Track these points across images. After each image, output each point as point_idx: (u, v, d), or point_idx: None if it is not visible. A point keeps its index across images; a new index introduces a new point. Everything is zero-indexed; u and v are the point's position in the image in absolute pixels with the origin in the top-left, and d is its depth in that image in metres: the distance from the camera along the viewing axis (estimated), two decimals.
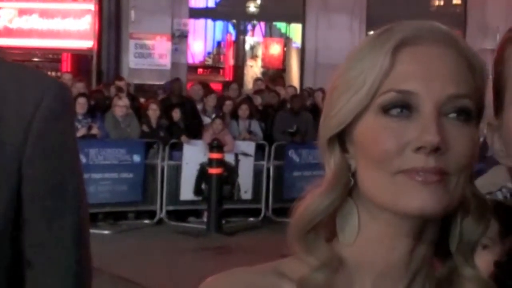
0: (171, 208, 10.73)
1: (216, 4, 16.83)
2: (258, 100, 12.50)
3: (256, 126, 11.45)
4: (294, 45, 17.51)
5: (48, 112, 1.40)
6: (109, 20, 14.77)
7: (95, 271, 1.50)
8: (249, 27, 18.13)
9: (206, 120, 11.22)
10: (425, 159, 0.92)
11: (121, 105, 10.57)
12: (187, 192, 10.70)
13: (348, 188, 0.99)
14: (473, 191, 1.00)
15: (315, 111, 11.39)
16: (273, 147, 11.11)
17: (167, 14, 14.68)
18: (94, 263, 1.51)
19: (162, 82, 13.66)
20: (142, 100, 11.86)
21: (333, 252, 0.99)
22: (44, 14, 14.46)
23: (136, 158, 10.58)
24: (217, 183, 10.12)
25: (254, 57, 18.08)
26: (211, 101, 11.55)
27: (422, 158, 0.93)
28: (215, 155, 10.21)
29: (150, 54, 14.59)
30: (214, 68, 18.31)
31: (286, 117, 11.59)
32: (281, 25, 17.83)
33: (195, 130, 10.91)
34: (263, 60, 17.91)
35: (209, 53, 18.23)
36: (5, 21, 14.38)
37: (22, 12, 14.43)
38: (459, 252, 1.00)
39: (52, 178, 1.42)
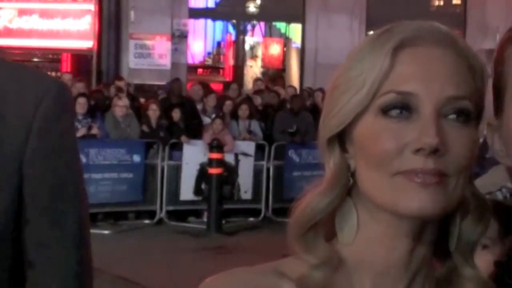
0: (171, 208, 10.73)
1: (216, 4, 16.83)
2: (258, 100, 12.50)
3: (256, 126, 11.45)
4: (294, 45, 17.51)
5: (48, 112, 1.40)
6: (109, 20, 14.77)
7: (95, 271, 1.50)
8: (249, 27, 18.13)
9: (206, 120, 11.22)
10: (424, 161, 0.93)
11: (121, 105, 10.57)
12: (187, 192, 10.70)
13: (348, 188, 0.99)
14: (472, 191, 1.00)
15: (315, 111, 11.39)
16: (273, 147, 11.11)
17: (167, 14, 14.68)
18: (94, 263, 1.51)
19: (162, 82, 13.67)
20: (142, 100, 11.87)
21: (332, 251, 0.99)
22: (44, 14, 14.46)
23: (136, 158, 10.58)
24: (217, 183, 10.12)
25: (254, 57, 18.08)
26: (211, 101, 11.55)
27: (421, 159, 0.93)
28: (215, 155, 10.21)
29: (150, 54, 14.59)
30: (214, 68, 18.31)
31: (286, 117, 11.59)
32: (281, 25, 17.83)
33: (195, 130, 10.91)
34: (263, 60, 17.91)
35: (209, 53, 18.24)
36: (5, 21, 14.38)
37: (22, 12, 14.43)
38: (458, 252, 1.00)
39: (53, 178, 1.42)
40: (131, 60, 14.52)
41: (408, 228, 0.97)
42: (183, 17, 15.17)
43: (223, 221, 10.28)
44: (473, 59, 0.98)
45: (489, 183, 1.79)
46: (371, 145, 0.95)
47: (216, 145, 10.21)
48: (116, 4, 14.73)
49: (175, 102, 11.35)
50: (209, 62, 18.38)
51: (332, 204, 0.99)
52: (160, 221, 10.61)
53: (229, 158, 10.72)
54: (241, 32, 18.07)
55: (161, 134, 10.71)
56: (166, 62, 14.69)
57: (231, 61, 18.08)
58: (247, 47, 18.07)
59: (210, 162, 10.25)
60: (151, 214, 10.67)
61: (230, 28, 18.22)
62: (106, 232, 9.70)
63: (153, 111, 10.79)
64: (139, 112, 11.02)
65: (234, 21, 17.86)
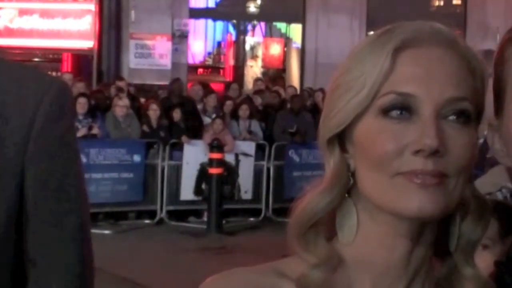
0: (171, 208, 10.74)
1: (216, 4, 16.83)
2: (258, 100, 12.50)
3: (256, 126, 11.45)
4: (294, 45, 17.51)
5: (49, 111, 1.40)
6: (110, 20, 14.77)
7: (95, 270, 1.50)
8: (249, 27, 18.13)
9: (207, 120, 11.22)
10: (423, 162, 0.93)
11: (121, 105, 10.58)
12: (187, 192, 10.70)
13: (348, 188, 1.00)
14: (472, 191, 1.00)
15: (315, 111, 11.39)
16: (273, 147, 11.11)
17: (167, 14, 14.69)
18: (94, 263, 1.51)
19: (162, 83, 13.67)
20: (142, 100, 11.87)
21: (332, 251, 0.99)
22: (44, 14, 14.46)
23: (137, 158, 10.58)
24: (218, 183, 10.12)
25: (254, 57, 18.08)
26: (211, 101, 11.56)
27: (421, 160, 0.93)
28: (216, 155, 10.21)
29: (151, 54, 14.59)
30: (215, 68, 18.31)
31: (286, 117, 11.59)
32: (281, 25, 17.83)
33: (195, 130, 10.92)
34: (263, 60, 17.91)
35: (209, 53, 18.23)
36: (5, 21, 14.38)
37: (22, 12, 14.43)
38: (459, 252, 1.00)
39: (54, 177, 1.42)
40: (131, 60, 14.53)
41: (407, 229, 0.97)
42: (184, 17, 15.17)
43: (224, 221, 10.28)
44: (474, 60, 0.99)
45: (489, 184, 1.79)
46: (371, 145, 0.95)
47: (216, 145, 10.22)
48: (117, 4, 14.74)
49: (176, 102, 11.35)
50: (210, 62, 18.38)
51: (332, 204, 0.99)
52: (161, 221, 10.61)
53: (230, 158, 10.72)
54: (241, 32, 18.07)
55: (162, 134, 10.72)
56: (166, 62, 14.69)
57: (231, 61, 18.08)
58: (247, 47, 18.07)
59: (211, 162, 10.25)
60: (152, 214, 10.67)
61: (231, 28, 18.22)
62: (106, 232, 9.70)
63: (154, 111, 10.79)
64: (139, 112, 11.03)
65: (234, 21, 17.86)
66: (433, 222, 0.97)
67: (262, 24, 17.90)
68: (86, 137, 10.01)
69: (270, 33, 18.21)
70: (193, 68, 17.04)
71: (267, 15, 16.86)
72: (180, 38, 14.96)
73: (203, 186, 10.53)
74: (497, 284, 1.03)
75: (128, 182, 10.53)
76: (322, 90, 12.33)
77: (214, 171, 10.17)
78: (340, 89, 0.99)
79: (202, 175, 10.53)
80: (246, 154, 11.04)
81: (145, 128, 10.74)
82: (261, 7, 16.68)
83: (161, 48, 14.67)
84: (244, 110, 11.36)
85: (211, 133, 10.65)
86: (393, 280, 0.99)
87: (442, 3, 17.84)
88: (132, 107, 10.92)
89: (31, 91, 1.41)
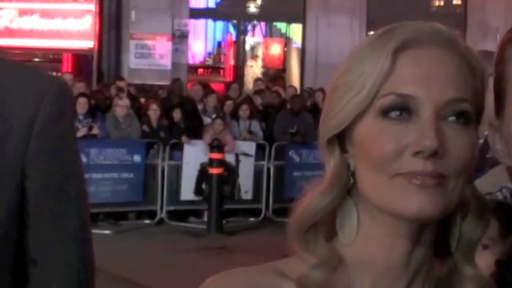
0: (171, 208, 10.74)
1: (217, 4, 16.83)
2: (258, 100, 12.51)
3: (256, 126, 11.45)
4: (294, 45, 17.51)
5: (49, 111, 1.40)
6: (110, 21, 14.77)
7: (95, 271, 1.50)
8: (250, 27, 18.13)
9: (207, 120, 11.22)
10: (423, 163, 0.93)
11: (121, 105, 10.58)
12: (187, 192, 10.70)
13: (348, 188, 1.00)
14: (472, 191, 1.00)
15: (316, 111, 11.39)
16: (273, 147, 11.11)
17: (168, 15, 14.69)
18: (95, 263, 1.51)
19: (162, 83, 13.67)
20: (142, 100, 11.87)
21: (332, 251, 0.99)
22: (44, 14, 14.46)
23: (137, 158, 10.59)
24: (218, 183, 10.12)
25: (254, 57, 18.08)
26: (211, 101, 11.56)
27: (420, 162, 0.93)
28: (216, 155, 10.21)
29: (151, 54, 14.60)
30: (215, 68, 18.30)
31: (287, 117, 11.60)
32: (281, 25, 17.83)
33: (195, 130, 10.92)
34: (263, 60, 17.91)
35: (209, 54, 18.23)
36: (6, 21, 14.38)
37: (22, 12, 14.44)
38: (459, 251, 1.01)
39: (55, 177, 1.42)
40: (131, 60, 14.53)
41: (407, 229, 0.97)
42: (184, 17, 15.17)
43: (224, 221, 10.28)
44: (474, 61, 0.98)
45: (490, 184, 1.79)
46: (371, 146, 0.96)
47: (216, 145, 10.22)
48: (117, 4, 14.74)
49: (176, 102, 11.36)
50: (210, 62, 18.38)
51: (333, 204, 0.99)
52: (161, 221, 10.61)
53: (230, 158, 10.72)
54: (241, 32, 18.07)
55: (162, 134, 10.72)
56: (166, 62, 14.69)
57: (231, 61, 18.08)
58: (247, 47, 18.07)
59: (211, 162, 10.26)
60: (152, 214, 10.67)
61: (231, 28, 18.22)
62: (106, 232, 9.70)
63: (154, 111, 10.79)
64: (139, 112, 11.03)
65: (234, 21, 17.86)
66: (432, 223, 0.97)
67: (262, 24, 17.91)
68: (86, 137, 10.01)
69: (270, 33, 18.21)
70: (193, 68, 17.04)
71: (267, 15, 16.86)
72: (180, 38, 14.96)
73: (203, 186, 10.53)
74: (497, 284, 1.03)
75: (128, 182, 10.54)
76: (322, 90, 12.33)
77: (214, 171, 10.18)
78: (340, 89, 0.99)
79: (202, 175, 10.53)
80: (246, 154, 11.04)
81: (145, 128, 10.74)
82: (261, 7, 16.68)
83: (161, 48, 14.68)
84: (244, 110, 11.36)
85: (211, 133, 10.65)
86: (393, 280, 0.99)
87: (442, 3, 17.84)
88: (132, 107, 10.92)
89: (31, 91, 1.41)
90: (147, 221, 10.62)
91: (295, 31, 17.30)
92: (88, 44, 14.67)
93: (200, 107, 11.53)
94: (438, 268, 1.02)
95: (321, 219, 0.99)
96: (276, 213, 10.79)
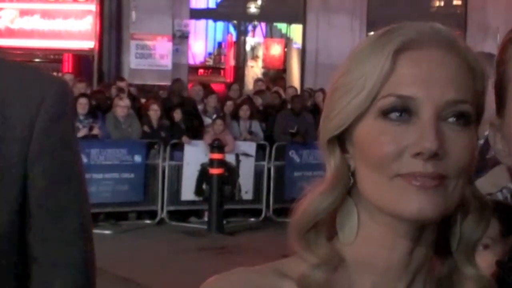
0: (172, 208, 10.74)
1: (217, 4, 16.83)
2: (258, 101, 12.51)
3: (257, 126, 11.46)
4: (294, 45, 17.51)
5: (50, 111, 1.41)
6: (110, 21, 14.77)
7: (96, 270, 1.51)
8: (250, 27, 18.12)
9: (207, 120, 11.23)
10: (423, 164, 0.93)
11: (122, 106, 10.58)
12: (188, 192, 10.71)
13: (348, 188, 1.00)
14: (473, 191, 1.00)
15: (316, 112, 11.40)
16: (274, 148, 11.12)
17: (168, 15, 14.69)
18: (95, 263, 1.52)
19: (163, 83, 13.67)
20: (143, 100, 11.87)
21: (333, 251, 0.99)
22: (45, 14, 14.46)
23: (137, 158, 10.59)
24: (218, 184, 10.13)
25: (254, 57, 18.08)
26: (212, 101, 11.56)
27: (420, 163, 0.93)
28: (216, 156, 10.22)
29: (151, 54, 14.59)
30: (215, 68, 18.30)
31: (287, 117, 11.60)
32: (281, 26, 17.82)
33: (196, 131, 10.92)
34: (263, 60, 17.91)
35: (210, 54, 18.23)
36: (6, 22, 14.38)
37: (23, 13, 14.43)
38: (460, 251, 1.01)
39: (56, 176, 1.42)
40: (132, 61, 14.53)
41: (407, 230, 0.97)
42: (184, 17, 15.17)
43: (224, 221, 10.28)
44: (474, 62, 0.99)
45: (490, 184, 1.79)
46: (371, 147, 0.96)
47: (217, 146, 10.22)
48: (117, 5, 14.74)
49: (176, 102, 11.36)
50: (210, 62, 18.37)
51: (333, 204, 0.99)
52: (161, 221, 10.61)
53: (230, 158, 10.72)
54: (242, 33, 18.07)
55: (162, 135, 10.72)
56: (167, 62, 14.69)
57: (232, 62, 18.08)
58: (248, 47, 18.07)
59: (211, 163, 10.26)
60: (152, 214, 10.67)
61: (231, 29, 18.22)
62: (107, 232, 9.70)
63: (154, 112, 10.80)
64: (140, 112, 11.03)
65: (235, 21, 17.86)
66: (433, 223, 0.97)
67: (263, 24, 17.90)
68: (87, 137, 10.02)
69: (270, 33, 18.21)
70: (193, 69, 17.04)
71: (268, 15, 16.86)
72: (180, 38, 14.96)
73: (204, 186, 10.54)
74: (498, 283, 1.03)
75: (129, 182, 10.54)
76: (322, 90, 12.33)
77: (214, 171, 10.18)
78: (340, 90, 0.99)
79: (203, 175, 10.53)
80: (246, 155, 11.04)
81: (145, 128, 10.74)
82: (261, 7, 16.68)
83: (162, 49, 14.67)
84: (244, 111, 11.37)
85: (212, 133, 10.65)
86: (393, 281, 0.99)
87: (442, 3, 17.84)
88: (133, 107, 10.93)
89: (32, 92, 1.41)
90: (148, 221, 10.63)
91: (295, 31, 17.30)
92: (89, 44, 14.67)
93: (200, 107, 11.53)
94: (439, 268, 1.03)
95: (322, 219, 1.00)
96: (277, 213, 10.80)
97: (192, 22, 15.91)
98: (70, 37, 14.59)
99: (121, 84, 11.97)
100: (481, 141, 2.31)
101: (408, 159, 0.94)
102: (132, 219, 10.68)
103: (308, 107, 12.26)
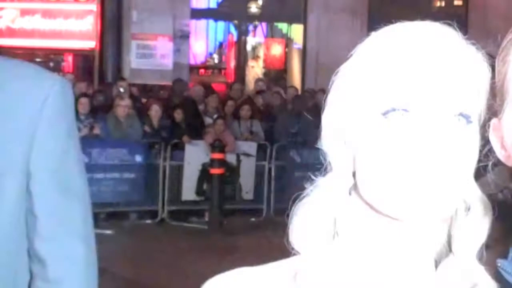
0: (173, 208, 10.74)
1: (218, 4, 16.84)
2: (259, 101, 12.52)
3: (257, 126, 11.46)
4: (295, 45, 17.52)
5: (54, 109, 1.41)
6: (111, 21, 14.78)
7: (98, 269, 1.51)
8: (251, 27, 18.13)
9: (208, 120, 11.23)
10: (423, 164, 0.93)
11: (123, 105, 10.58)
12: (189, 192, 10.71)
13: (349, 188, 1.00)
14: (474, 192, 1.00)
15: (317, 112, 11.38)
16: (274, 148, 11.12)
17: (169, 15, 14.69)
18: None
19: (163, 83, 13.68)
20: (144, 100, 11.88)
21: (334, 251, 0.99)
22: (46, 14, 14.47)
23: (138, 158, 10.59)
24: (219, 183, 10.13)
25: (255, 57, 18.09)
26: (212, 101, 11.57)
27: (421, 163, 0.93)
28: (217, 155, 10.22)
29: (152, 54, 14.60)
30: (216, 68, 18.32)
31: (288, 117, 11.60)
32: (282, 26, 17.83)
33: (197, 131, 10.92)
34: (264, 60, 17.91)
35: (210, 54, 18.24)
36: (7, 21, 14.39)
37: (24, 12, 14.44)
38: (461, 251, 1.01)
39: (59, 174, 1.43)
40: (133, 61, 14.53)
41: (408, 230, 0.97)
42: (185, 17, 15.18)
43: (225, 221, 10.28)
44: (474, 61, 0.99)
45: (491, 185, 1.79)
46: (371, 147, 0.96)
47: (217, 145, 10.22)
48: (118, 5, 14.74)
49: (177, 102, 11.36)
50: (211, 62, 18.39)
51: (334, 204, 0.99)
52: (162, 221, 10.61)
53: (231, 158, 10.73)
54: (242, 33, 18.08)
55: (163, 134, 10.72)
56: (168, 62, 14.70)
57: (233, 62, 18.09)
58: (248, 47, 18.08)
59: (212, 162, 10.26)
60: (153, 214, 10.67)
61: (232, 29, 18.22)
62: (108, 232, 9.70)
63: (155, 112, 10.80)
64: (141, 112, 11.04)
65: (236, 21, 17.86)
66: (434, 223, 0.98)
67: (264, 24, 17.91)
68: (87, 137, 10.02)
69: (271, 33, 18.22)
70: (194, 69, 17.05)
71: (269, 15, 16.87)
72: (181, 38, 14.96)
73: (205, 186, 10.54)
74: (499, 283, 1.03)
75: (130, 182, 10.54)
76: (323, 90, 12.31)
77: (215, 171, 10.18)
78: (341, 90, 0.99)
79: (204, 175, 10.54)
80: (247, 154, 11.04)
81: (146, 128, 10.75)
82: (262, 7, 16.68)
83: (163, 49, 14.68)
84: (245, 111, 11.37)
85: (213, 133, 10.66)
86: (394, 281, 0.99)
87: (443, 4, 17.85)
88: (134, 107, 10.93)
89: (36, 89, 1.41)
90: (148, 221, 10.63)
91: (296, 31, 17.30)
92: (90, 44, 14.67)
93: (201, 107, 11.54)
94: (440, 268, 1.03)
95: (323, 219, 1.00)
96: (277, 213, 10.79)
97: (193, 22, 15.92)
98: (71, 37, 14.59)
99: (122, 84, 11.97)
100: (481, 142, 2.31)
101: (408, 159, 0.94)
102: (133, 219, 10.68)
103: (309, 107, 12.26)
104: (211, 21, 17.59)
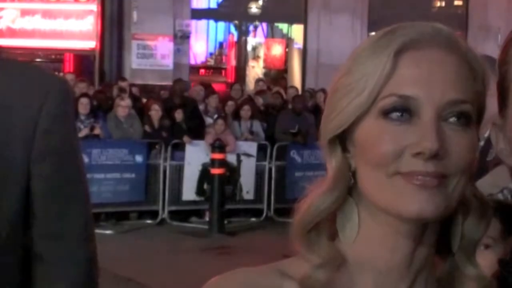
0: (173, 208, 10.74)
1: (218, 5, 16.84)
2: (260, 101, 12.52)
3: (258, 126, 11.46)
4: (295, 45, 17.52)
5: (53, 112, 1.41)
6: (112, 21, 14.78)
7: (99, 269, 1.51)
8: (251, 27, 18.13)
9: (208, 120, 11.23)
10: (423, 164, 0.93)
11: (123, 106, 10.59)
12: (189, 192, 10.71)
13: (349, 187, 1.00)
14: (473, 191, 1.00)
15: (317, 112, 11.40)
16: (275, 148, 11.12)
17: (169, 15, 14.69)
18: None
19: (164, 83, 13.68)
20: (144, 100, 11.88)
21: (335, 251, 0.99)
22: (46, 14, 14.47)
23: (138, 158, 10.59)
24: (219, 183, 10.13)
25: (256, 57, 18.09)
26: (213, 101, 11.57)
27: (421, 162, 0.93)
28: (217, 156, 10.22)
29: (152, 54, 14.60)
30: (216, 69, 18.31)
31: (288, 117, 11.60)
32: (283, 26, 17.83)
33: (197, 131, 10.92)
34: (265, 60, 17.91)
35: (211, 54, 18.24)
36: (7, 22, 14.39)
37: (24, 13, 14.44)
38: (460, 251, 1.01)
39: (59, 176, 1.43)
40: (133, 61, 14.53)
41: (408, 229, 0.97)
42: (186, 17, 15.18)
43: (225, 221, 10.28)
44: (475, 62, 0.99)
45: (491, 185, 1.79)
46: (371, 147, 0.96)
47: (218, 146, 10.22)
48: (119, 5, 14.74)
49: (178, 102, 11.36)
50: (211, 62, 18.38)
51: (334, 204, 0.99)
52: (162, 221, 10.61)
53: (231, 158, 10.73)
54: (243, 33, 18.08)
55: (164, 135, 10.72)
56: (168, 62, 14.70)
57: (233, 62, 18.09)
58: (249, 47, 18.08)
59: (212, 163, 10.26)
60: (153, 214, 10.67)
61: (232, 29, 18.23)
62: (108, 232, 9.70)
63: (156, 112, 10.80)
64: (141, 112, 11.04)
65: (236, 21, 17.87)
66: (434, 223, 0.98)
67: (264, 24, 17.91)
68: (88, 137, 10.02)
69: (271, 33, 18.22)
70: (195, 69, 17.05)
71: (269, 15, 16.86)
72: (182, 38, 14.96)
73: (205, 186, 10.54)
74: (499, 283, 1.03)
75: (130, 182, 10.54)
76: (323, 90, 12.33)
77: (216, 171, 10.18)
78: (341, 90, 0.99)
79: (204, 175, 10.53)
80: (247, 155, 11.04)
81: (147, 128, 10.75)
82: (263, 7, 16.68)
83: (163, 49, 14.68)
84: (245, 111, 11.37)
85: (213, 133, 10.66)
86: (395, 281, 0.99)
87: (443, 4, 17.84)
88: (134, 107, 10.93)
89: (35, 91, 1.41)
90: (149, 221, 10.63)
91: (296, 31, 17.30)
92: (90, 44, 14.67)
93: (201, 107, 11.54)
94: (440, 268, 1.03)
95: (323, 219, 1.00)
96: (278, 213, 10.79)
97: (193, 22, 15.91)
98: (72, 37, 14.59)
99: (123, 84, 11.97)
100: (481, 143, 2.31)
101: (408, 159, 0.94)
102: (133, 219, 10.68)
103: (309, 107, 12.26)
104: (211, 21, 17.59)
